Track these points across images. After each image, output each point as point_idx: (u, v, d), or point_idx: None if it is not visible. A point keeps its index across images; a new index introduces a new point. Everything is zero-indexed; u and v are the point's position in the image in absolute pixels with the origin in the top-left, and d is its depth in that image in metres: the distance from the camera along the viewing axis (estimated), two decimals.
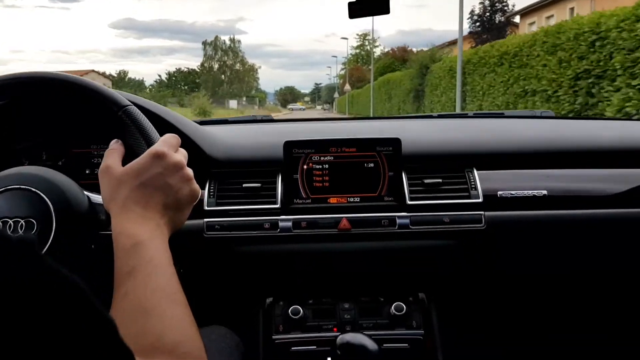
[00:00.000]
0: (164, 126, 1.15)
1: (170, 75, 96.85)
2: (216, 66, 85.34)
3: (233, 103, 66.28)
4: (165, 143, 0.80)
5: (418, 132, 1.40)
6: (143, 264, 0.68)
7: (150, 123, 0.89)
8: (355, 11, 0.88)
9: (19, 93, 0.94)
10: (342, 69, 74.19)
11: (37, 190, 0.87)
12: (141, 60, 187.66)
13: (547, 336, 1.40)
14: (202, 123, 1.61)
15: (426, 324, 1.20)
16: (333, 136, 1.22)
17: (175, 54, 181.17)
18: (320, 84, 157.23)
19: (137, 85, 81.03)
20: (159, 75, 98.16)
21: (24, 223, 0.85)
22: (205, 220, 1.15)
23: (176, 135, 0.83)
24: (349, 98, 44.93)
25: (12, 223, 0.84)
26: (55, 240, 0.85)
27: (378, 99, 28.64)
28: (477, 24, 28.67)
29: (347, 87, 41.53)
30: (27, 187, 0.87)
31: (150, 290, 0.66)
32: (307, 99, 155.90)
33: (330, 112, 69.91)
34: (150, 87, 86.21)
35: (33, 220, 0.85)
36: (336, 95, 57.25)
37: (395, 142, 1.18)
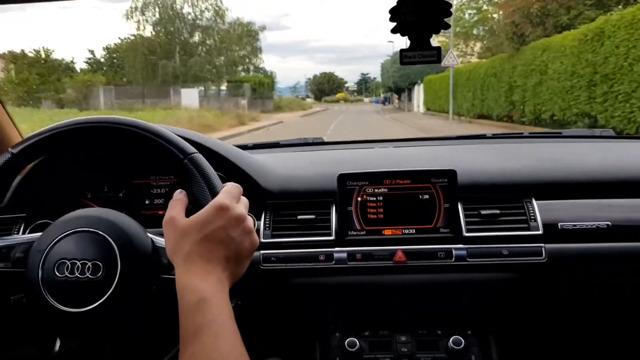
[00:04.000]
0: (220, 161, 1.17)
1: (110, 51, 45.99)
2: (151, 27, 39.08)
3: (190, 94, 32.09)
4: (228, 194, 0.82)
5: (474, 161, 1.38)
6: (209, 324, 0.70)
7: (213, 171, 0.91)
8: (407, 58, 0.91)
9: (85, 138, 0.98)
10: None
11: (104, 234, 0.90)
12: None
13: None
14: (254, 147, 1.64)
15: (485, 359, 1.17)
16: (386, 164, 1.22)
17: None
18: (367, 74, 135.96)
19: (63, 69, 39.30)
20: (92, 53, 51.63)
21: (91, 265, 0.88)
22: (262, 252, 1.16)
23: (238, 185, 0.86)
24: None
25: (80, 265, 0.88)
26: (120, 282, 0.88)
27: None
28: None
29: None
30: (94, 230, 0.91)
31: (218, 354, 0.68)
32: (352, 88, 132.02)
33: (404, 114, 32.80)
34: (81, 70, 42.01)
35: (99, 263, 0.88)
36: (452, 61, 18.90)
37: (451, 174, 1.17)
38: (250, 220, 0.82)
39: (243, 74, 42.63)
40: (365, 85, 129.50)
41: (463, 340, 1.17)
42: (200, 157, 0.92)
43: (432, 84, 28.54)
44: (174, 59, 38.60)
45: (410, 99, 40.10)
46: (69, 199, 1.27)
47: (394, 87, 43.64)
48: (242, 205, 0.83)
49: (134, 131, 0.94)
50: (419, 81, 33.60)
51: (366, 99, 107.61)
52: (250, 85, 37.42)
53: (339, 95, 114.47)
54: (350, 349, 1.17)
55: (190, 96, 31.93)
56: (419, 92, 34.46)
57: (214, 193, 0.87)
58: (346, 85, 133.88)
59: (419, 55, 0.89)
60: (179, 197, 0.86)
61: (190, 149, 0.93)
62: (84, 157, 1.27)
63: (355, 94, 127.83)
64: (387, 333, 1.21)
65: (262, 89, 39.56)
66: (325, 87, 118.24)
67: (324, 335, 1.22)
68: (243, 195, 0.86)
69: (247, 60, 44.04)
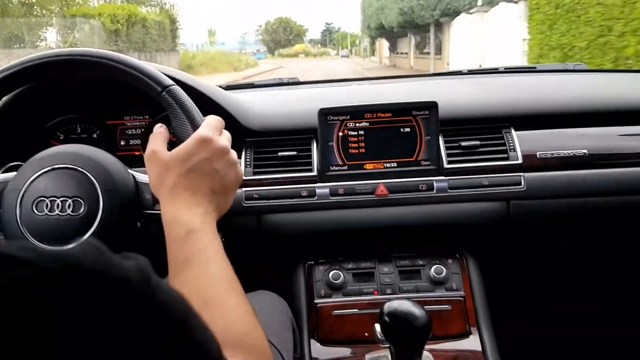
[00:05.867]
0: (199, 98, 1.14)
1: None
2: None
3: None
4: (211, 127, 0.80)
5: (453, 94, 1.38)
6: (199, 253, 0.70)
7: (193, 104, 0.89)
8: None
9: (56, 72, 0.94)
10: None
11: (83, 170, 0.89)
12: None
13: (587, 301, 1.42)
14: (227, 88, 1.61)
15: (466, 286, 1.21)
16: (367, 100, 1.21)
17: None
18: (331, 23, 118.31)
19: None
20: None
21: (71, 202, 0.87)
22: (244, 189, 1.15)
23: (220, 118, 0.84)
24: None
25: (59, 202, 0.86)
26: (103, 218, 0.87)
27: None
28: None
29: None
30: (73, 166, 0.89)
31: (210, 280, 0.68)
32: (315, 39, 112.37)
33: None
34: None
35: (80, 200, 0.87)
36: None
37: (432, 106, 1.16)
38: (233, 153, 0.81)
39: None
40: (329, 37, 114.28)
41: (444, 269, 1.20)
42: (179, 89, 0.90)
43: None
44: None
45: (439, 48, 20.20)
46: (40, 140, 1.23)
47: (395, 24, 22.54)
48: (224, 138, 0.81)
49: (106, 63, 0.90)
50: (480, 2, 16.02)
51: (333, 52, 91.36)
52: (102, 25, 18.63)
53: (297, 47, 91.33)
54: (335, 281, 1.20)
55: None
56: (467, 32, 16.35)
57: (195, 126, 0.85)
58: (306, 34, 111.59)
59: None
60: (160, 131, 0.84)
61: (168, 81, 0.90)
62: (56, 95, 1.23)
63: (319, 46, 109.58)
64: (370, 265, 1.23)
65: (145, 34, 21.15)
66: (281, 38, 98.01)
67: (308, 269, 1.24)
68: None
69: None
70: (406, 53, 26.63)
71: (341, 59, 68.45)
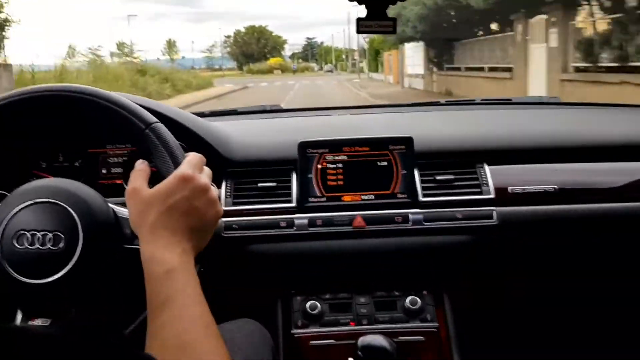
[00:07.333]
0: (180, 130, 1.16)
1: None
2: None
3: None
4: (191, 164, 0.82)
5: (429, 127, 1.42)
6: (177, 294, 0.71)
7: (175, 141, 0.91)
8: (363, 27, 0.92)
9: (39, 107, 0.95)
10: None
11: (64, 204, 0.89)
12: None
13: (560, 333, 1.46)
14: (211, 114, 1.63)
15: (440, 317, 1.23)
16: (345, 131, 1.25)
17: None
18: (313, 38, 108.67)
19: None
20: None
21: (52, 236, 0.87)
22: (223, 220, 1.17)
23: (201, 155, 0.85)
24: None
25: (40, 236, 0.87)
26: (82, 253, 0.87)
27: None
28: None
29: None
30: (54, 200, 0.89)
31: (188, 323, 0.69)
32: (297, 52, 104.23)
33: None
34: None
35: (60, 234, 0.87)
36: None
37: (408, 141, 1.20)
38: (214, 190, 0.82)
39: None
40: (311, 52, 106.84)
41: (419, 300, 1.23)
42: (161, 127, 0.92)
43: None
44: None
45: None
46: (23, 170, 1.24)
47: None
48: (205, 175, 0.83)
49: (92, 100, 0.92)
50: None
51: (316, 67, 79.82)
52: None
53: (272, 61, 74.22)
54: (312, 312, 1.21)
55: None
56: None
57: (176, 163, 0.87)
58: (284, 47, 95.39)
59: (376, 25, 0.90)
60: (141, 168, 0.85)
61: (152, 118, 0.92)
62: (39, 126, 1.23)
63: (300, 60, 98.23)
64: (346, 295, 1.25)
65: None
66: (254, 50, 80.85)
67: (286, 299, 1.26)
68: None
69: None
70: (494, 69, 14.41)
71: (325, 75, 59.72)
